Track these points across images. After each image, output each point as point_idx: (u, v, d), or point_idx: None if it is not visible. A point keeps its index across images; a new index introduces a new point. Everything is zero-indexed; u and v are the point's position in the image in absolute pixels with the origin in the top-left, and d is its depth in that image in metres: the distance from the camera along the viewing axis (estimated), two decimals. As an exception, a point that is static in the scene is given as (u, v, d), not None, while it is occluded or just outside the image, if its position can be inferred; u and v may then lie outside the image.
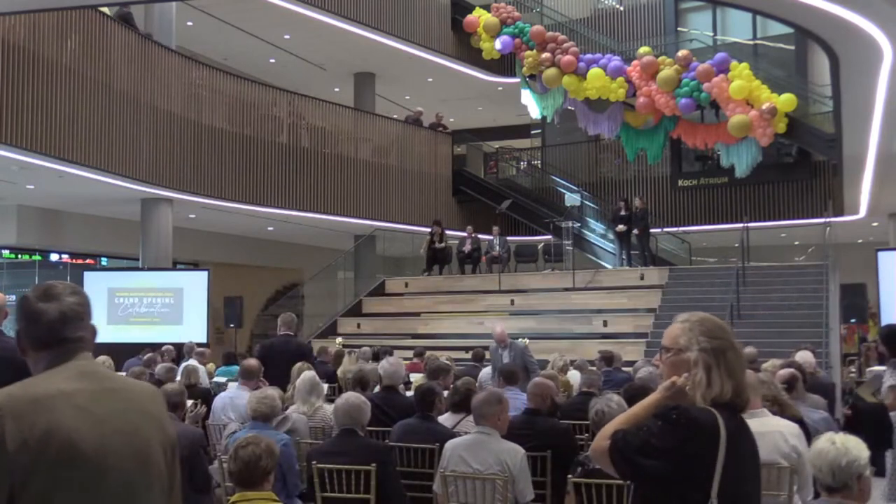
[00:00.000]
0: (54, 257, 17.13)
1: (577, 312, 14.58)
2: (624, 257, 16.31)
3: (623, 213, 16.22)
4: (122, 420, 1.80)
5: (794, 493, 4.27)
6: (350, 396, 4.79)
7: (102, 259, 17.96)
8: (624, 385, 6.60)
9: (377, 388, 6.55)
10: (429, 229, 17.52)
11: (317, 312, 18.35)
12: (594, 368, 8.26)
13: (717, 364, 2.19)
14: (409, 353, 11.45)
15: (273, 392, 5.16)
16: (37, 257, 16.76)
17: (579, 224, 17.78)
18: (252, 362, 6.55)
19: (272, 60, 18.02)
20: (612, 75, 16.35)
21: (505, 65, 19.07)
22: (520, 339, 11.87)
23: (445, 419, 5.43)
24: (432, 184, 19.32)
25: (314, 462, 4.50)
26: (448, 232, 17.87)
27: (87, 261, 17.71)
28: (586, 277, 15.35)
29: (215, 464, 5.18)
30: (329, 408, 6.16)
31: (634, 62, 16.30)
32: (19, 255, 16.65)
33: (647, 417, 2.21)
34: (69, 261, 17.33)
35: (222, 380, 9.24)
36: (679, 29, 19.28)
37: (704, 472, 2.12)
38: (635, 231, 15.96)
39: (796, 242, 19.83)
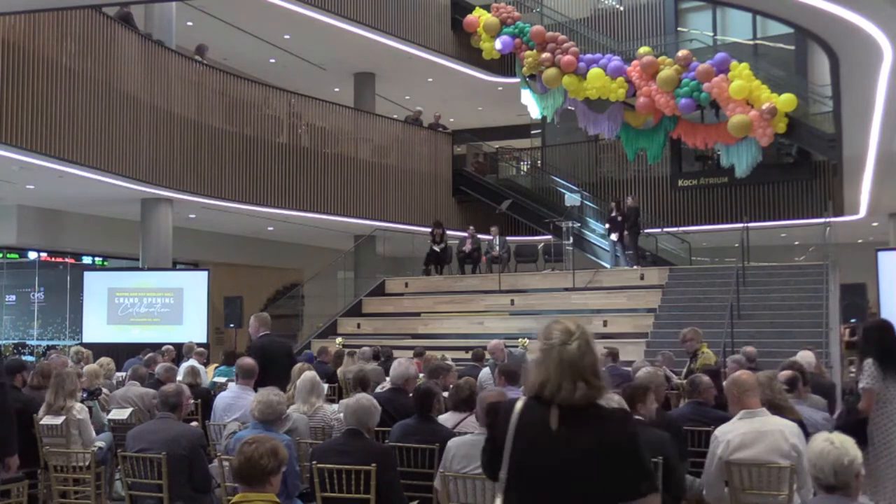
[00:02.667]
0: (54, 257, 17.12)
1: (577, 312, 14.56)
2: (618, 255, 16.34)
3: (613, 213, 16.28)
4: None
5: (794, 493, 4.27)
6: (361, 398, 4.79)
7: (84, 257, 17.90)
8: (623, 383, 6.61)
9: (385, 388, 6.56)
10: (429, 229, 17.53)
11: (317, 312, 18.36)
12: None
13: (541, 362, 2.43)
14: (410, 353, 11.44)
15: (273, 395, 5.15)
16: (36, 257, 16.74)
17: (579, 224, 17.79)
18: (249, 361, 6.53)
19: (272, 60, 18.02)
20: (612, 75, 16.35)
21: (505, 65, 19.07)
22: (519, 340, 11.89)
23: (447, 419, 5.43)
24: (432, 184, 19.32)
25: (314, 462, 4.51)
26: (448, 232, 17.87)
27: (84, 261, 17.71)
28: (586, 277, 15.35)
29: (214, 462, 5.18)
30: (329, 408, 6.16)
31: (634, 62, 16.30)
32: (20, 255, 16.64)
33: None
34: (69, 261, 17.33)
35: (222, 380, 9.24)
36: (679, 29, 19.28)
37: (501, 448, 2.44)
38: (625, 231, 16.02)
39: (796, 242, 19.83)
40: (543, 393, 2.39)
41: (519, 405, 2.44)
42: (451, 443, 4.54)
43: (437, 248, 17.13)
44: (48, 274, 17.27)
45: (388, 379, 6.78)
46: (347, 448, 4.53)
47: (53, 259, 17.13)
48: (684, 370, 8.86)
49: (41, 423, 6.30)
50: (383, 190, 18.07)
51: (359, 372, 6.99)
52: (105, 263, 18.07)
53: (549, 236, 17.42)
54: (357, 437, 4.57)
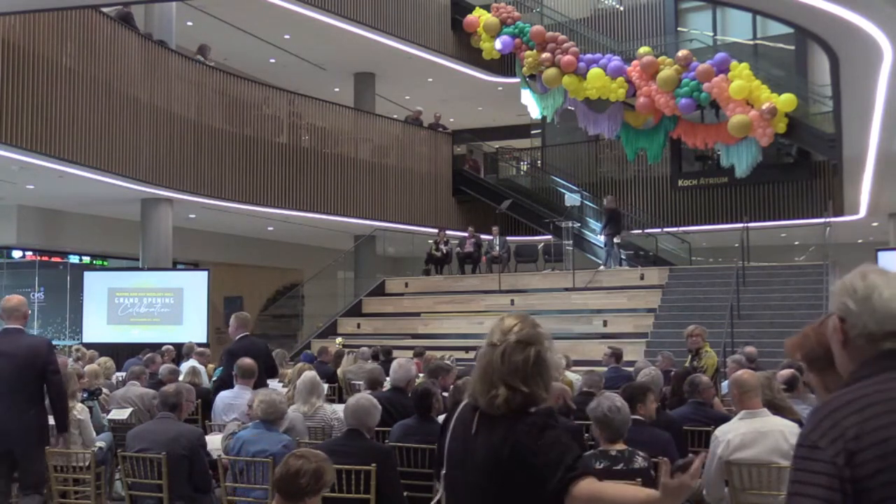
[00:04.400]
0: (54, 257, 17.11)
1: (577, 312, 14.58)
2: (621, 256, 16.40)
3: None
4: None
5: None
6: (360, 398, 4.80)
7: (84, 257, 17.86)
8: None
9: (385, 388, 6.56)
10: (428, 229, 17.55)
11: (317, 312, 18.36)
12: (595, 369, 8.27)
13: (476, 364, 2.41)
14: (410, 353, 11.44)
15: (275, 395, 5.15)
16: (21, 255, 16.70)
17: (579, 224, 17.78)
18: (249, 361, 6.54)
19: (272, 60, 18.02)
20: (612, 75, 16.34)
21: (505, 65, 19.07)
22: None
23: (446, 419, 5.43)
24: (432, 184, 19.32)
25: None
26: (448, 232, 17.88)
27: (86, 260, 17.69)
28: (586, 277, 15.35)
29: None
30: (329, 408, 6.17)
31: (634, 62, 16.30)
32: (20, 255, 16.62)
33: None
34: (69, 261, 17.32)
35: (222, 380, 9.22)
36: (679, 29, 19.28)
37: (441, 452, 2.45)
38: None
39: (796, 242, 19.83)
40: (471, 395, 2.34)
41: (458, 411, 2.38)
42: None
43: (436, 253, 17.16)
44: (48, 274, 17.26)
45: (387, 379, 6.78)
46: (347, 448, 4.53)
47: (53, 259, 17.12)
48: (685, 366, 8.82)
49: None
50: (383, 190, 18.07)
51: (370, 372, 6.97)
52: (105, 263, 18.06)
53: (549, 236, 17.42)
54: (357, 437, 4.57)
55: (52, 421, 5.56)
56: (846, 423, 1.58)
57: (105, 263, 18.04)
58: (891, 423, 1.57)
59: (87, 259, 17.58)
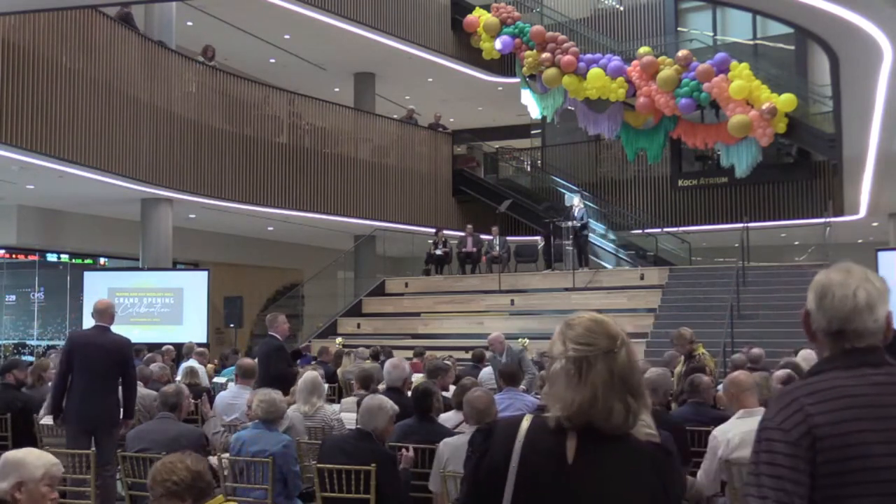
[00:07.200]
0: (54, 257, 17.11)
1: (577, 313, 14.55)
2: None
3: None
4: None
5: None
6: (368, 399, 4.82)
7: (83, 257, 17.85)
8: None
9: (383, 389, 6.55)
10: (428, 229, 17.55)
11: (317, 312, 18.36)
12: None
13: (577, 375, 1.82)
14: (410, 353, 11.44)
15: (275, 395, 5.15)
16: (36, 257, 16.74)
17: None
18: (248, 361, 6.57)
19: (272, 60, 18.02)
20: (612, 75, 16.34)
21: (505, 65, 19.07)
22: (519, 340, 11.89)
23: (449, 417, 5.43)
24: (432, 184, 19.32)
25: (314, 462, 4.52)
26: (448, 232, 17.87)
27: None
28: (586, 277, 15.35)
29: (213, 460, 5.17)
30: (329, 408, 6.17)
31: (634, 62, 16.29)
32: (20, 255, 16.63)
33: None
34: (69, 261, 17.32)
35: (222, 380, 9.24)
36: (679, 29, 19.28)
37: (499, 480, 1.83)
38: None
39: (796, 242, 19.83)
40: (585, 415, 1.79)
41: (524, 425, 1.86)
42: (443, 444, 4.54)
43: (436, 253, 17.15)
44: (48, 274, 17.26)
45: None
46: (348, 448, 4.55)
47: (54, 259, 17.13)
48: (678, 369, 8.58)
49: (41, 422, 6.31)
50: (383, 190, 18.08)
51: (361, 371, 6.97)
52: (92, 262, 18.01)
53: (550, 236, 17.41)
54: (363, 437, 4.58)
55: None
56: (811, 411, 1.69)
57: (91, 262, 17.91)
58: (852, 418, 1.68)
59: (66, 257, 17.56)
